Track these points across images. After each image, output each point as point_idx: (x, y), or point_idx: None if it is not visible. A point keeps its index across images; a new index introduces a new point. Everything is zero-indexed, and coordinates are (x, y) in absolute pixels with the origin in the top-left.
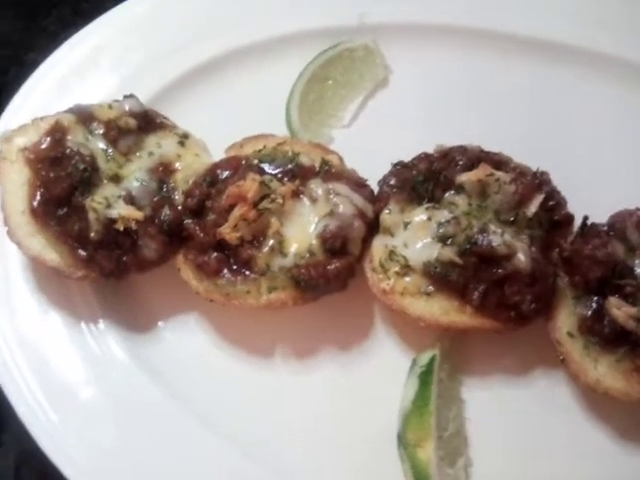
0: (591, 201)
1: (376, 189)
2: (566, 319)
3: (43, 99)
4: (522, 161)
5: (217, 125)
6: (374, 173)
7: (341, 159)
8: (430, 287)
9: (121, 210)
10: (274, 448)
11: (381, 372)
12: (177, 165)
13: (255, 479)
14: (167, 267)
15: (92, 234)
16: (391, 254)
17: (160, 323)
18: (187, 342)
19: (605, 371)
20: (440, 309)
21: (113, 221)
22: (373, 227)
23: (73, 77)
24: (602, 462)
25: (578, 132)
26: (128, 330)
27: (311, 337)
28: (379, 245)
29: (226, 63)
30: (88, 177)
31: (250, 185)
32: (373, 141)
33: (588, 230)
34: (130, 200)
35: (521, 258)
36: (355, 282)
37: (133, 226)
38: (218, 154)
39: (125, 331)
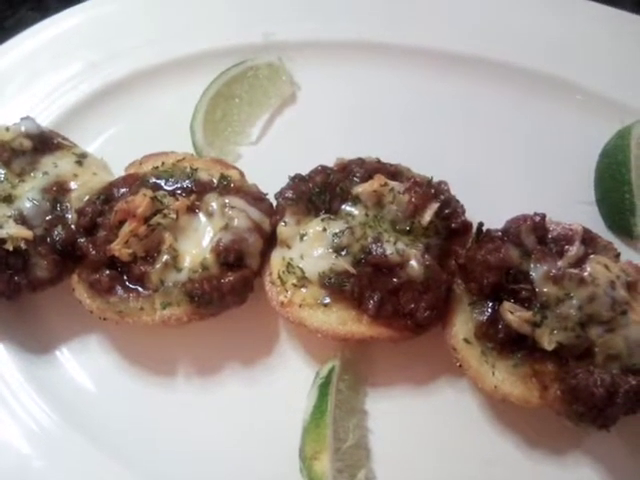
0: (494, 210)
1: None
2: (463, 326)
3: None
4: (426, 172)
5: (124, 145)
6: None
7: (242, 174)
8: (327, 298)
9: (10, 230)
10: (179, 469)
11: (287, 386)
12: (73, 184)
13: None
14: (66, 289)
15: None
16: (288, 266)
17: (60, 346)
18: (87, 364)
19: (503, 377)
20: (337, 319)
21: (2, 241)
22: (272, 240)
23: None
24: (508, 470)
25: (479, 142)
26: (27, 353)
27: (216, 354)
28: (277, 257)
29: (133, 84)
30: None
31: (140, 201)
32: (281, 157)
33: (483, 236)
34: (21, 220)
35: (414, 266)
36: (261, 296)
37: (23, 246)
38: (122, 173)
39: (23, 354)
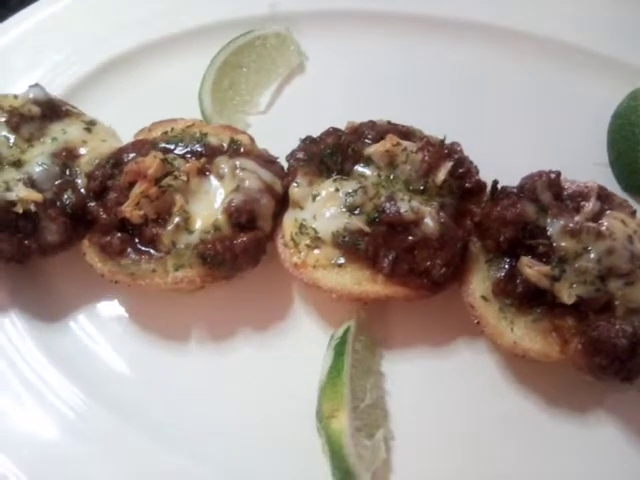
0: (507, 173)
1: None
2: (480, 283)
3: None
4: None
5: (132, 116)
6: None
7: (252, 139)
8: (341, 258)
9: (19, 192)
10: (193, 433)
11: (300, 350)
12: (82, 150)
13: (175, 466)
14: (77, 256)
15: None
16: (301, 227)
17: (72, 313)
18: (100, 330)
19: (522, 333)
20: (352, 279)
21: (12, 204)
22: (284, 203)
23: None
24: (528, 430)
25: (491, 105)
26: (39, 322)
27: (228, 319)
28: (289, 219)
29: (142, 55)
30: None
31: (150, 162)
32: (290, 125)
33: (499, 193)
34: (31, 183)
35: (429, 223)
36: (272, 261)
37: (32, 208)
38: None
39: (35, 323)
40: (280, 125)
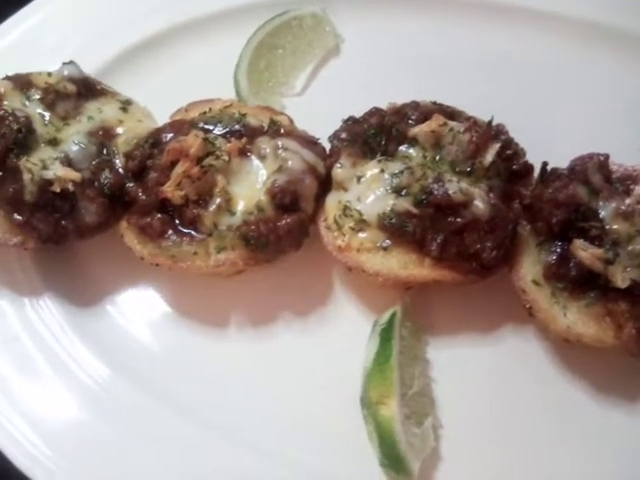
0: (551, 157)
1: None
2: (530, 268)
3: None
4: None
5: (166, 97)
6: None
7: (291, 120)
8: (387, 241)
9: (57, 171)
10: (233, 419)
11: (342, 337)
12: (119, 130)
13: (215, 452)
14: (113, 239)
15: (27, 196)
16: (345, 209)
17: (109, 297)
18: (138, 314)
19: (575, 317)
20: (398, 263)
21: (50, 183)
22: (326, 185)
23: (17, 56)
24: (577, 418)
25: (529, 89)
26: (73, 304)
27: (268, 304)
28: (333, 201)
29: (175, 35)
30: (23, 139)
31: (192, 141)
32: (326, 108)
33: (548, 176)
34: (67, 162)
35: (479, 205)
36: (312, 246)
37: (70, 188)
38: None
39: (69, 305)
40: (316, 107)
